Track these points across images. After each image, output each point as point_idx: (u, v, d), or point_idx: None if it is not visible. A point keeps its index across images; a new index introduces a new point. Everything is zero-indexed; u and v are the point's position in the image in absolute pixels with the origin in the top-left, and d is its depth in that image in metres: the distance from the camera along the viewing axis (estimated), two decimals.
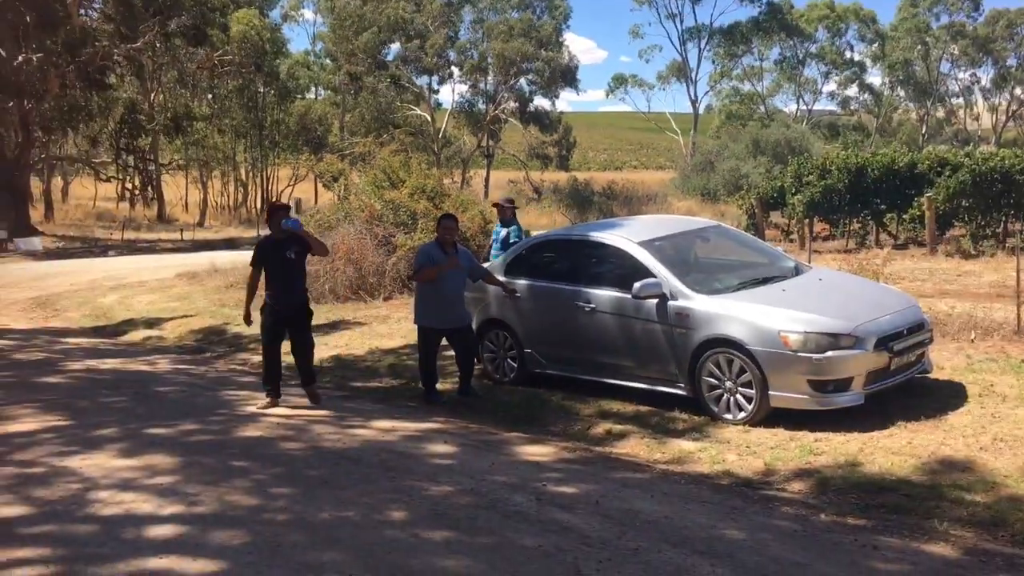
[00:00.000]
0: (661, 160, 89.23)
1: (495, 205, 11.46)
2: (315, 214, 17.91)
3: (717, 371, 6.88)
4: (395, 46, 55.77)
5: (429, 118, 56.35)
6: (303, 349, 7.82)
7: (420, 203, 15.26)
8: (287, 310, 7.64)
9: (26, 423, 7.01)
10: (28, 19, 31.59)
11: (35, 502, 4.99)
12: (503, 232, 10.55)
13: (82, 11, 35.38)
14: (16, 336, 12.57)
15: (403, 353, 10.34)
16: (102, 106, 38.87)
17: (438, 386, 8.23)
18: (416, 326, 8.30)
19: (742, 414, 6.75)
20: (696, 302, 7.08)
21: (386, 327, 11.72)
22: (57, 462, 5.82)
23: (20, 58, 31.87)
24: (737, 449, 6.14)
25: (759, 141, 47.00)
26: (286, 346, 7.79)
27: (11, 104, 32.58)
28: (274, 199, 50.51)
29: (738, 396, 6.78)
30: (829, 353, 6.45)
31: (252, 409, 7.63)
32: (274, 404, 7.66)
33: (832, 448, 5.99)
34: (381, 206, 15.28)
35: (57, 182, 56.61)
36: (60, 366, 10.02)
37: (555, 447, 6.44)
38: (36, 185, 47.15)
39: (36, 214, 41.07)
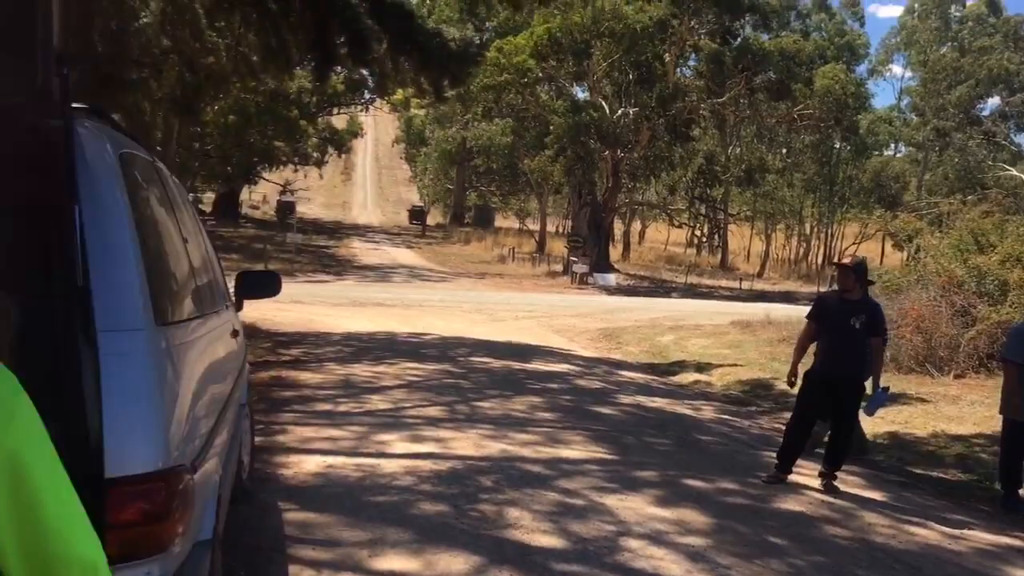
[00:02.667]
0: None
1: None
2: (883, 275, 16.62)
3: None
4: (993, 100, 50.62)
5: None
6: (840, 427, 6.86)
7: (1013, 272, 13.20)
8: (833, 380, 6.71)
9: (575, 450, 7.26)
10: (631, 77, 34.98)
11: (570, 536, 4.98)
12: None
13: (678, 69, 38.20)
14: (581, 363, 13.52)
15: (975, 443, 8.87)
16: (683, 156, 41.32)
17: (1023, 492, 6.78)
18: (1000, 416, 6.96)
19: None
20: None
21: (955, 409, 10.22)
22: (596, 497, 5.83)
23: (619, 112, 35.38)
24: None
25: None
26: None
27: (606, 152, 36.25)
28: (837, 256, 48.98)
29: None
30: None
31: (793, 478, 6.99)
32: (781, 480, 6.83)
33: None
34: (963, 272, 13.56)
35: (636, 225, 61.75)
36: (613, 398, 10.43)
37: None
38: (618, 226, 51.94)
39: (615, 253, 45.14)
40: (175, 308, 2.70)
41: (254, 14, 11.25)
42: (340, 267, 35.76)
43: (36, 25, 2.00)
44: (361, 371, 10.82)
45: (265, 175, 52.03)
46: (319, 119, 48.05)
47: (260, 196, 64.89)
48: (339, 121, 56.16)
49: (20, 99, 2.29)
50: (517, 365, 12.27)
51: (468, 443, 7.16)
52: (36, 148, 2.29)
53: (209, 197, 51.81)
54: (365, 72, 22.67)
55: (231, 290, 4.95)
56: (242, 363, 4.62)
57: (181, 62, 12.28)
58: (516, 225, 61.79)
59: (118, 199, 2.30)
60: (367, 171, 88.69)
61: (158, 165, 3.39)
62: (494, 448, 7.05)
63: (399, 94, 31.85)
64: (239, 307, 4.95)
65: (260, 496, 5.28)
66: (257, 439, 6.21)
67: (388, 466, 6.25)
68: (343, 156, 63.26)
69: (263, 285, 5.05)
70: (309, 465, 6.13)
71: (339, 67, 15.68)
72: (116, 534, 1.88)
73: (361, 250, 44.45)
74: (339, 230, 55.35)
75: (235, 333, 4.38)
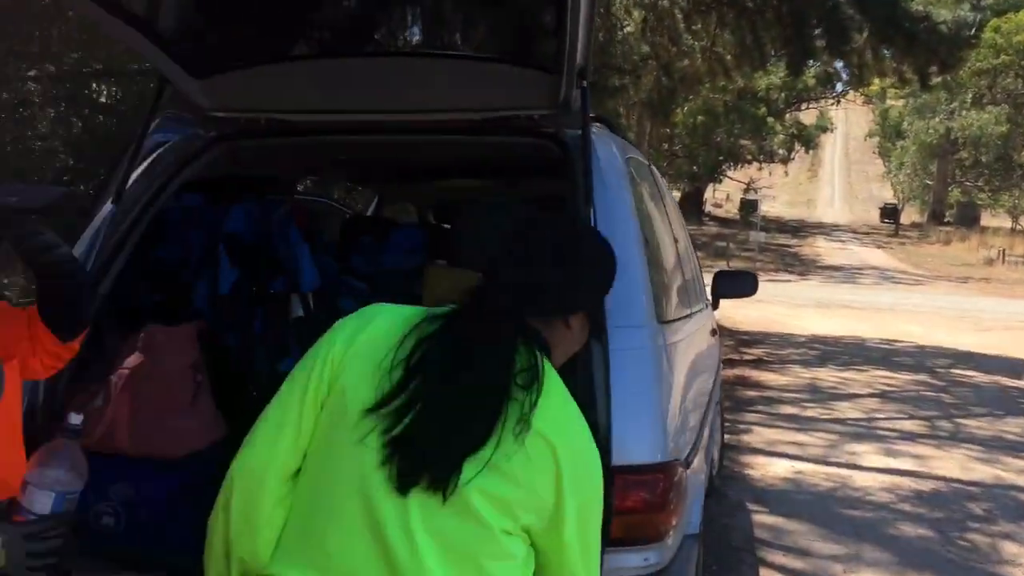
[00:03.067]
0: None
1: None
2: None
3: None
4: None
5: None
6: None
7: None
8: None
9: None
10: None
11: None
12: None
13: None
14: None
15: None
16: None
17: None
18: None
19: None
20: None
21: None
22: None
23: None
24: None
25: None
26: None
27: None
28: None
29: None
30: None
31: None
32: None
33: None
34: None
35: None
36: None
37: None
38: None
39: None
40: (669, 306, 2.80)
41: (730, 14, 11.31)
42: (803, 267, 34.71)
43: (565, 43, 2.18)
44: (827, 376, 10.41)
45: (730, 173, 52.29)
46: (787, 115, 47.10)
47: (723, 195, 65.33)
48: (807, 116, 54.48)
49: (546, 110, 2.54)
50: (1010, 382, 10.91)
51: (952, 464, 6.52)
52: (558, 155, 2.52)
53: (675, 196, 53.51)
54: (839, 64, 21.71)
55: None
56: (718, 362, 4.67)
57: (658, 67, 12.78)
58: (1008, 224, 54.96)
59: (627, 202, 2.43)
60: (835, 167, 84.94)
61: (652, 168, 3.54)
62: (984, 472, 6.33)
63: (875, 85, 29.94)
64: (715, 306, 5.00)
65: (729, 494, 5.32)
66: (725, 437, 6.27)
67: (860, 479, 5.94)
68: (810, 152, 61.30)
69: (739, 285, 5.02)
70: (777, 468, 6.05)
71: (813, 60, 15.18)
72: (620, 519, 2.00)
73: (826, 249, 42.71)
74: (803, 228, 53.73)
75: (713, 332, 4.44)
